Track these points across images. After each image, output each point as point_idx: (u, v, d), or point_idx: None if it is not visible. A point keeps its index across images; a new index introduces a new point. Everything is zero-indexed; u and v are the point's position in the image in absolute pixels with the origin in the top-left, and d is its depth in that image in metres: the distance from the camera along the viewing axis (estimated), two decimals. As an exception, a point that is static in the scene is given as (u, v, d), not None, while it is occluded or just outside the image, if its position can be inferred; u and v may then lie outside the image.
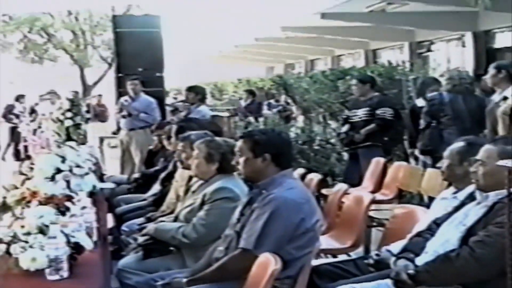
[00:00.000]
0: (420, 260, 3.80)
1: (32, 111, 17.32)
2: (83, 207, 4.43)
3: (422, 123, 8.26)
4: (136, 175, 8.44)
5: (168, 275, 4.31)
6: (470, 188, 4.03)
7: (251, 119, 13.15)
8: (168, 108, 11.86)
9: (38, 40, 35.05)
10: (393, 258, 3.95)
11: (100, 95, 22.89)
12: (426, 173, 7.35)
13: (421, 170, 7.61)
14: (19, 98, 18.44)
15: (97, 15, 32.76)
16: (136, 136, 10.76)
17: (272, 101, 17.90)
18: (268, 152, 4.00)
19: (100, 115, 20.55)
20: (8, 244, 3.67)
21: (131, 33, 12.36)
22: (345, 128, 9.54)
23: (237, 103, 19.41)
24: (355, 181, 8.41)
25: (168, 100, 16.26)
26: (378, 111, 9.22)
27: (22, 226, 3.81)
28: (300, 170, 7.26)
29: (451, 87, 8.16)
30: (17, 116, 17.94)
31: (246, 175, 4.11)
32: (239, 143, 4.12)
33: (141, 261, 4.85)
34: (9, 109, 18.22)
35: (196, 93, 10.37)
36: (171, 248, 4.82)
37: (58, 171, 5.47)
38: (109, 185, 7.16)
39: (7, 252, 3.65)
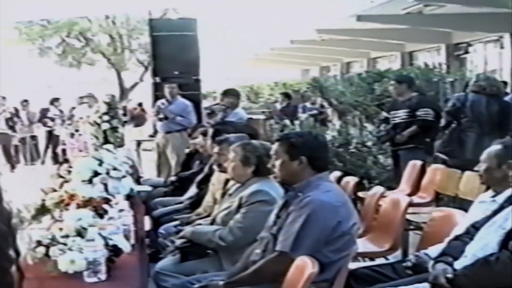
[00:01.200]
0: (458, 264, 3.77)
1: (71, 115, 17.48)
2: (121, 210, 4.43)
3: (443, 122, 8.22)
4: (172, 178, 8.46)
5: (204, 278, 4.30)
6: (509, 191, 3.99)
7: (287, 122, 13.04)
8: (204, 111, 11.89)
9: (76, 44, 35.22)
10: (431, 262, 3.91)
11: (140, 103, 22.89)
12: (464, 176, 7.28)
13: (458, 173, 7.54)
14: (53, 101, 18.51)
15: (134, 19, 32.90)
16: (172, 139, 10.79)
17: (307, 104, 17.85)
18: (304, 155, 3.96)
19: (138, 119, 20.46)
20: (47, 246, 3.69)
21: (168, 36, 12.41)
22: (384, 126, 9.49)
23: (272, 106, 19.40)
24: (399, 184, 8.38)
25: (205, 103, 16.28)
26: (418, 112, 9.13)
27: (61, 229, 3.84)
28: (337, 173, 7.21)
29: (475, 88, 8.09)
30: (52, 120, 18.13)
31: (282, 178, 4.06)
32: (276, 146, 4.08)
33: (178, 264, 4.85)
34: (44, 113, 18.32)
35: (232, 96, 10.32)
36: (208, 251, 4.81)
37: (96, 174, 5.51)
38: (146, 188, 7.13)
39: (46, 254, 3.67)
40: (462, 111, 8.05)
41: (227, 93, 10.50)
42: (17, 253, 1.75)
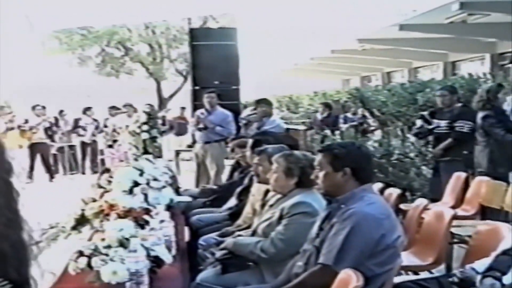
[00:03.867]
0: (507, 279, 3.70)
1: (105, 125, 17.54)
2: (162, 221, 4.43)
3: (478, 137, 8.19)
4: (209, 186, 8.76)
5: (247, 290, 4.18)
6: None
7: (328, 132, 12.99)
8: (241, 122, 11.88)
9: (116, 53, 35.36)
10: (479, 277, 3.83)
11: (183, 108, 22.59)
12: (509, 189, 7.14)
13: (504, 186, 7.40)
14: (86, 110, 18.53)
15: (173, 28, 32.99)
16: (211, 150, 10.72)
17: (348, 114, 17.68)
18: (348, 166, 3.90)
19: (179, 128, 20.59)
20: (89, 257, 3.66)
21: (207, 46, 12.41)
22: (420, 122, 9.44)
23: (313, 116, 19.19)
24: (438, 196, 8.25)
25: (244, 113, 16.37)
26: (456, 124, 9.01)
27: (103, 239, 3.80)
28: (378, 185, 7.11)
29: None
30: (85, 129, 18.19)
31: (326, 189, 4.01)
32: (319, 157, 4.03)
33: (219, 276, 4.79)
34: (77, 122, 18.36)
35: (265, 105, 10.38)
36: (250, 263, 4.74)
37: (136, 184, 5.46)
38: (185, 198, 7.08)
39: (89, 265, 3.64)
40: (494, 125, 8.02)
41: (260, 102, 10.56)
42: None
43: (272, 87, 29.09)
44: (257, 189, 5.94)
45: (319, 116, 17.84)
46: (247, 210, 6.08)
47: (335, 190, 3.97)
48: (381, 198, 4.22)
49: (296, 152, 5.09)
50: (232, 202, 6.92)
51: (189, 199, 7.28)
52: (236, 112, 11.59)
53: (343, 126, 15.61)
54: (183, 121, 21.65)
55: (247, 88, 15.85)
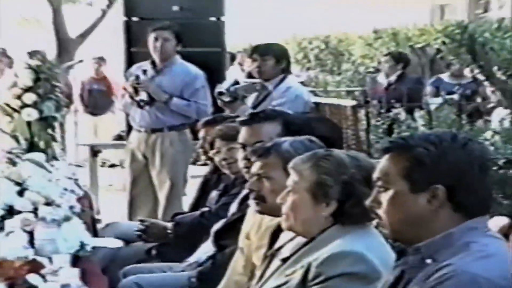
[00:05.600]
0: None
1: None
2: (63, 286, 3.33)
3: None
4: (168, 224, 5.29)
5: None
6: None
7: (400, 112, 8.92)
8: (222, 96, 7.77)
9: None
10: None
11: (101, 59, 14.03)
12: None
13: None
14: None
15: None
16: (163, 145, 6.93)
17: (445, 76, 11.22)
18: (439, 182, 2.57)
19: (92, 101, 13.52)
20: None
21: None
22: None
23: (370, 81, 12.17)
24: None
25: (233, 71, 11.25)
26: None
27: None
28: (501, 220, 4.64)
29: None
30: None
31: (395, 227, 2.68)
32: (384, 162, 2.69)
33: None
34: None
35: (276, 56, 6.60)
36: None
37: (11, 211, 4.04)
38: (110, 242, 5.10)
39: None
40: None
41: (262, 50, 6.63)
42: None
43: (289, 19, 18.73)
44: (256, 225, 3.85)
45: (383, 79, 11.23)
46: (234, 266, 4.04)
47: (413, 228, 2.72)
48: (505, 246, 2.78)
49: (337, 152, 3.37)
50: (205, 250, 4.70)
51: (117, 243, 5.19)
52: (217, 70, 7.44)
53: (433, 101, 10.42)
54: (104, 86, 13.67)
55: (240, 22, 12.32)
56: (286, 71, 6.56)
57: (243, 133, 4.19)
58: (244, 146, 4.05)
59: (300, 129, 4.00)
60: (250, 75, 7.55)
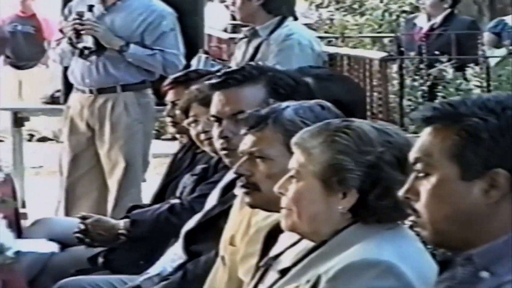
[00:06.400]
0: None
1: None
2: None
3: None
4: (120, 223, 4.47)
5: None
6: None
7: (446, 67, 7.72)
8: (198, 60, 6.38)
9: None
10: None
11: None
12: None
13: None
14: None
15: None
16: (115, 110, 5.85)
17: (510, 18, 9.64)
18: (501, 166, 2.09)
19: (13, 47, 10.66)
20: None
21: None
22: None
23: (407, 24, 10.13)
24: None
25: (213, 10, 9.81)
26: None
27: None
28: None
29: None
30: None
31: (437, 227, 2.23)
32: (425, 137, 2.20)
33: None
34: None
35: None
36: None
37: None
38: (40, 245, 4.47)
39: None
40: None
41: None
42: None
43: None
44: (244, 225, 3.22)
45: (423, 23, 9.13)
46: (215, 283, 3.35)
47: (463, 230, 2.25)
48: None
49: (359, 123, 2.80)
50: (172, 258, 3.97)
51: (50, 247, 4.57)
52: (191, 12, 6.55)
53: (493, 53, 8.74)
54: (32, 27, 11.26)
55: None
56: (285, 11, 5.64)
57: (215, 101, 3.46)
58: (219, 120, 3.33)
59: (295, 91, 3.33)
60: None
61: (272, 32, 5.41)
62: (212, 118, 3.49)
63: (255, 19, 5.51)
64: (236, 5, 5.63)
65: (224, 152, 3.34)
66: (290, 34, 5.40)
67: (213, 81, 3.58)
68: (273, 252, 2.82)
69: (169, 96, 4.58)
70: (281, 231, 2.79)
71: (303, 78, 3.51)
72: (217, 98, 3.44)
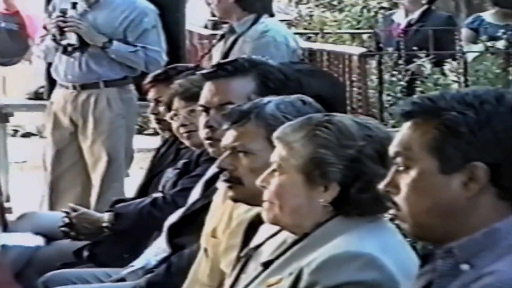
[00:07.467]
0: None
1: None
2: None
3: None
4: (104, 216, 4.47)
5: None
6: None
7: (424, 62, 7.71)
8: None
9: None
10: None
11: None
12: None
13: None
14: None
15: None
16: (98, 105, 5.90)
17: (488, 14, 9.09)
18: (480, 159, 2.10)
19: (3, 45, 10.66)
20: None
21: None
22: None
23: (385, 20, 10.17)
24: None
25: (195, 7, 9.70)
26: None
27: None
28: None
29: None
30: None
31: (417, 219, 2.22)
32: (404, 131, 2.21)
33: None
34: None
35: None
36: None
37: None
38: (25, 239, 4.45)
39: None
40: None
41: None
42: None
43: None
44: (226, 218, 3.22)
45: (400, 19, 9.18)
46: (198, 275, 3.34)
47: (443, 222, 2.25)
48: None
49: (340, 118, 2.85)
50: (156, 251, 3.99)
51: (35, 241, 4.53)
52: (173, 9, 6.52)
53: (470, 49, 8.36)
54: (15, 24, 10.72)
55: None
56: (260, 8, 5.63)
57: (205, 91, 3.49)
58: (206, 109, 3.33)
59: (284, 86, 3.34)
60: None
61: (248, 28, 5.45)
62: (200, 108, 3.49)
63: (231, 16, 5.59)
64: (213, 2, 5.76)
65: (209, 141, 3.35)
66: (266, 31, 5.45)
67: (204, 71, 3.64)
68: (254, 242, 2.84)
69: (151, 94, 4.61)
70: (262, 223, 2.81)
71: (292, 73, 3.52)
72: (207, 88, 3.45)
